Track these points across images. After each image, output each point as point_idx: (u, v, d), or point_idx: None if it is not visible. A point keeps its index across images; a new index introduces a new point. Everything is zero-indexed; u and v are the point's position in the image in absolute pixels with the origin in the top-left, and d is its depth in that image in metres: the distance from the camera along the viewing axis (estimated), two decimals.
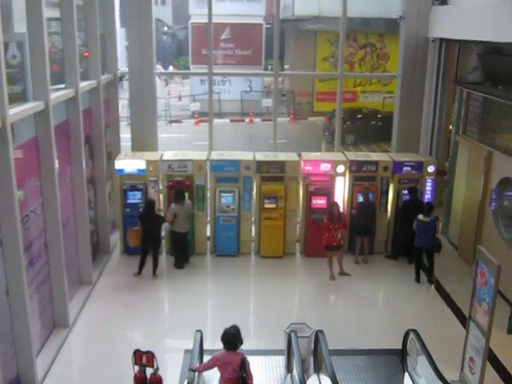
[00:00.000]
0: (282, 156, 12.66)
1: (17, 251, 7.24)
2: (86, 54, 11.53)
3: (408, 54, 13.22)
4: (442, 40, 12.92)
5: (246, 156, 12.59)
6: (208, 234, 12.75)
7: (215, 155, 12.66)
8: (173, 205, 11.67)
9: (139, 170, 12.23)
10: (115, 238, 12.99)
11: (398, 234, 12.53)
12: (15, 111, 7.35)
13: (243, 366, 6.51)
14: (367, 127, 26.08)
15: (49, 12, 9.22)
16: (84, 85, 10.62)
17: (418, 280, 11.54)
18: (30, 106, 8.01)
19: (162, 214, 11.87)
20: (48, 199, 8.74)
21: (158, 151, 13.15)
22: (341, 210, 11.65)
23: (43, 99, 8.30)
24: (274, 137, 13.49)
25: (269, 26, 35.35)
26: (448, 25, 11.99)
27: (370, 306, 10.84)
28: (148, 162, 12.20)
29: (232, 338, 6.58)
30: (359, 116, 27.52)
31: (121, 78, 13.41)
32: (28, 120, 8.20)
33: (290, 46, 34.46)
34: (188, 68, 40.65)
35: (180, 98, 36.96)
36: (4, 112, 6.83)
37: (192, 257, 12.42)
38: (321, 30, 30.91)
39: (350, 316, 10.33)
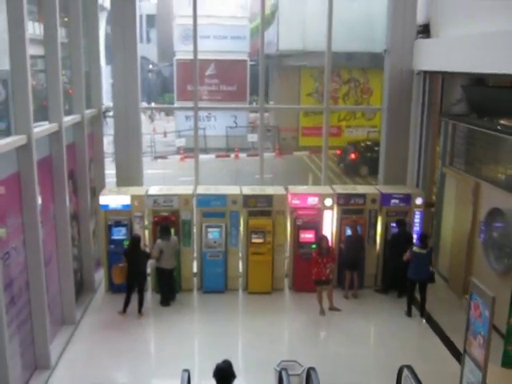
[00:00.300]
0: (269, 190, 12.55)
1: None
2: (71, 91, 11.45)
3: (393, 86, 13.28)
4: (426, 72, 13.01)
5: (232, 190, 12.47)
6: (195, 270, 12.50)
7: (201, 189, 12.51)
8: (159, 240, 11.46)
9: (124, 206, 12.03)
10: (100, 276, 12.68)
11: (388, 267, 12.37)
12: None
13: None
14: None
15: (33, 49, 9.20)
16: (68, 119, 10.48)
17: (409, 314, 11.35)
18: (12, 140, 7.83)
19: (147, 250, 11.63)
20: (30, 236, 8.50)
21: (144, 186, 12.95)
22: (329, 243, 11.48)
23: (26, 133, 8.14)
24: (261, 171, 13.38)
25: (253, 62, 35.86)
26: (432, 57, 12.10)
27: (362, 341, 10.61)
28: (133, 197, 12.01)
29: (225, 373, 6.19)
30: (376, 148, 27.77)
31: (105, 113, 13.27)
32: (10, 154, 8.01)
33: (274, 81, 34.79)
34: (171, 102, 40.92)
35: (165, 134, 36.99)
36: None
37: (178, 294, 12.14)
38: (304, 66, 31.32)
39: (341, 353, 10.07)
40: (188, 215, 12.12)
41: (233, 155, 31.64)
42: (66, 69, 11.18)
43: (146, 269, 11.29)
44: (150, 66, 58.37)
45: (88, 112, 12.01)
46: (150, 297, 12.16)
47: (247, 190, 12.41)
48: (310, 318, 11.38)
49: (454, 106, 12.92)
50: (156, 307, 11.69)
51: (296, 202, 12.27)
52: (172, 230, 11.79)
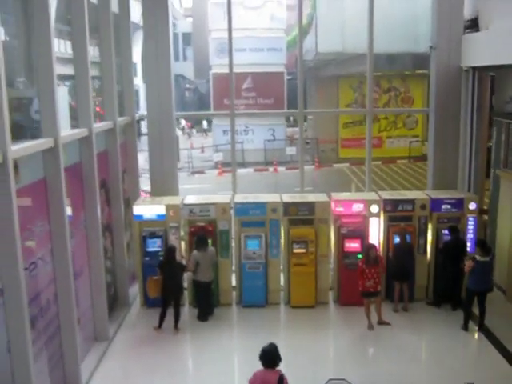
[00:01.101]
0: (311, 197, 11.88)
1: (19, 302, 6.47)
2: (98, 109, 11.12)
3: (440, 86, 12.49)
4: (475, 69, 12.18)
5: (272, 198, 11.83)
6: (233, 283, 11.85)
7: (239, 198, 11.90)
8: (195, 252, 10.87)
9: (159, 216, 11.50)
10: (135, 290, 12.15)
11: (440, 277, 11.48)
12: (19, 147, 6.71)
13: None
14: None
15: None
16: (99, 125, 10.05)
17: (466, 328, 10.44)
18: (38, 143, 7.38)
19: (183, 262, 11.06)
20: (58, 246, 8.01)
21: (179, 196, 12.43)
22: (378, 252, 10.68)
23: (52, 136, 7.68)
24: (302, 181, 12.69)
25: (290, 77, 35.36)
26: (482, 52, 11.30)
27: (416, 358, 9.78)
28: (168, 207, 11.48)
29: (270, 355, 6.51)
30: None
31: (139, 121, 12.84)
32: (36, 159, 7.57)
33: (312, 93, 34.19)
34: (210, 121, 40.73)
35: (203, 149, 36.74)
36: (5, 147, 6.17)
37: (216, 308, 11.50)
38: (343, 76, 30.62)
39: (393, 371, 9.23)
40: (226, 225, 11.52)
41: (271, 169, 31.07)
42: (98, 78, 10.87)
43: (182, 282, 10.71)
44: (187, 86, 58.71)
45: (121, 120, 11.60)
46: (187, 311, 11.56)
47: (287, 198, 11.76)
48: (358, 333, 10.60)
49: (507, 104, 12.04)
50: (193, 322, 11.08)
51: (340, 209, 11.54)
52: (209, 241, 11.19)
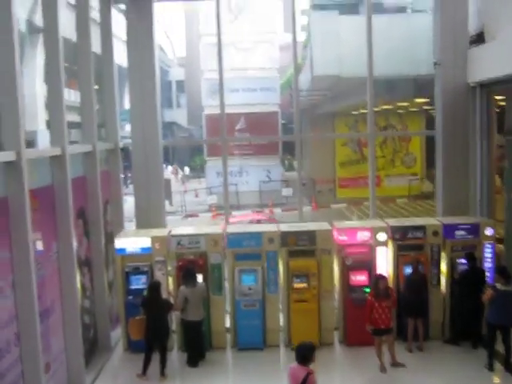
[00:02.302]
0: (312, 226, 10.78)
1: None
2: None
3: (446, 104, 11.63)
4: (482, 86, 11.35)
5: (268, 228, 10.76)
6: (227, 324, 10.63)
7: (233, 228, 10.84)
8: (182, 287, 9.71)
9: (143, 249, 10.39)
10: (119, 333, 10.89)
11: (458, 312, 10.31)
12: None
13: (304, 381, 6.47)
14: None
15: None
16: (74, 146, 9.07)
17: (491, 367, 9.22)
18: None
19: (170, 299, 9.89)
20: (20, 277, 6.87)
21: (166, 229, 11.34)
22: (388, 284, 9.54)
23: (15, 149, 6.66)
24: (300, 212, 11.64)
25: (284, 121, 34.82)
26: (489, 63, 10.48)
27: None
28: (154, 239, 10.38)
29: (303, 350, 6.66)
30: None
31: (123, 150, 11.88)
32: None
33: (308, 132, 33.52)
34: (203, 167, 39.88)
35: (197, 193, 35.81)
36: None
37: (208, 352, 10.25)
38: (338, 114, 30.02)
39: None
40: (218, 258, 10.39)
41: (267, 211, 30.02)
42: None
43: (168, 322, 9.49)
44: (181, 134, 58.35)
45: (101, 144, 10.64)
46: (176, 356, 10.32)
47: (285, 227, 10.68)
48: (369, 377, 9.39)
49: None
50: (182, 368, 9.86)
51: (343, 238, 10.46)
52: (199, 276, 10.04)
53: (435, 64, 11.68)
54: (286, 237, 10.39)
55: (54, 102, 8.36)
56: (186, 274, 9.79)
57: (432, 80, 14.52)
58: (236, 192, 29.89)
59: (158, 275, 10.29)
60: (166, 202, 30.16)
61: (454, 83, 11.51)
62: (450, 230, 10.51)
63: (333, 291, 10.51)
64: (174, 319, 10.11)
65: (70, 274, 8.62)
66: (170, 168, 44.04)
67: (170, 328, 9.92)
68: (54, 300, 8.28)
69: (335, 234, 10.50)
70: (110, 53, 11.14)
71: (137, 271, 10.36)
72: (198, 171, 46.34)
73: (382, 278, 9.39)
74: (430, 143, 30.23)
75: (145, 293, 9.74)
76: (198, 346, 9.95)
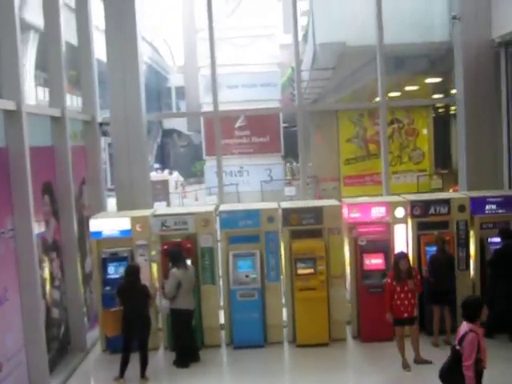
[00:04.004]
0: (317, 202, 9.34)
1: None
2: None
3: (468, 65, 10.22)
4: (508, 43, 9.94)
5: (267, 205, 9.31)
6: (221, 317, 9.16)
7: (226, 207, 9.40)
8: (174, 270, 8.20)
9: (123, 232, 8.94)
10: (97, 332, 9.41)
11: (490, 299, 8.75)
12: None
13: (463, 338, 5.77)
14: None
15: None
16: (34, 104, 7.67)
17: None
18: None
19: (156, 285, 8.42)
20: None
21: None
22: (411, 263, 8.03)
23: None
24: (303, 181, 10.23)
25: (286, 124, 33.42)
26: None
27: None
28: (134, 220, 8.92)
29: (467, 307, 6.12)
30: None
31: (102, 125, 10.47)
32: None
33: (310, 129, 32.11)
34: (202, 173, 38.36)
35: (196, 197, 34.46)
36: None
37: (200, 351, 8.74)
38: (342, 111, 28.65)
39: None
40: (209, 241, 8.94)
41: None
42: None
43: (148, 312, 7.95)
44: (182, 143, 57.14)
45: (74, 112, 9.27)
46: (162, 356, 8.84)
47: (287, 205, 9.24)
48: (389, 376, 7.90)
49: None
50: (169, 370, 8.36)
51: (355, 215, 8.99)
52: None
53: (453, 18, 10.32)
54: (288, 215, 8.93)
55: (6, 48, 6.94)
56: (174, 254, 8.31)
57: (445, 55, 13.15)
58: (237, 192, 28.56)
59: (140, 261, 8.80)
60: (164, 203, 28.63)
61: (476, 40, 10.12)
62: (478, 203, 9.05)
63: (344, 277, 9.03)
64: (157, 311, 8.56)
65: (29, 256, 7.16)
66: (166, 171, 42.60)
67: (153, 322, 8.40)
68: (6, 287, 6.81)
69: (345, 210, 9.05)
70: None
71: (115, 257, 8.92)
72: (199, 177, 44.95)
73: (403, 256, 7.88)
74: (438, 138, 28.59)
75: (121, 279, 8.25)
76: (191, 342, 8.46)
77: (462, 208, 9.00)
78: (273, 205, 9.33)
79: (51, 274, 8.26)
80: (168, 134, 56.71)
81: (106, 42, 10.28)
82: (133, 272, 7.81)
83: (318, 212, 8.93)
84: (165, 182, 32.30)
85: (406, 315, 7.74)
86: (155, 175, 34.82)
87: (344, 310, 9.03)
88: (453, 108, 30.69)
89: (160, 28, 53.39)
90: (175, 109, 59.18)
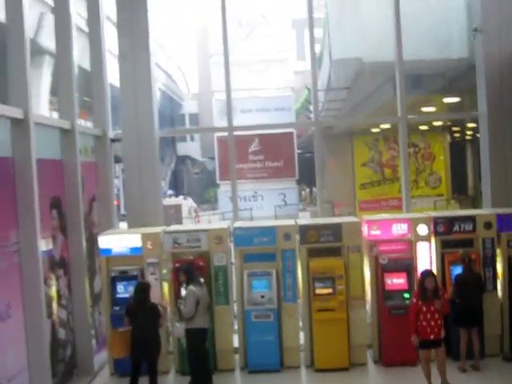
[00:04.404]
0: (336, 219, 8.95)
1: None
2: None
3: (491, 79, 9.84)
4: None
5: (284, 222, 8.94)
6: (235, 340, 8.72)
7: (241, 223, 9.05)
8: (191, 287, 7.76)
9: (133, 249, 8.60)
10: (105, 355, 9.00)
11: None
12: None
13: None
14: None
15: None
16: (44, 116, 7.44)
17: None
18: None
19: (164, 304, 8.00)
20: None
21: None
22: (438, 283, 7.57)
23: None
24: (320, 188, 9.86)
25: (300, 151, 33.17)
26: None
27: None
28: (145, 237, 8.58)
29: None
30: None
31: (114, 141, 10.22)
32: None
33: (325, 155, 31.86)
34: (216, 199, 38.02)
35: (210, 221, 34.12)
36: None
37: (213, 375, 8.29)
38: (357, 133, 28.37)
39: None
40: (223, 259, 8.56)
41: None
42: None
43: (159, 333, 7.53)
44: (196, 170, 57.19)
45: (84, 127, 9.03)
46: (173, 380, 8.38)
47: (305, 221, 8.86)
48: None
49: None
50: None
51: (376, 232, 8.58)
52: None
53: (475, 30, 9.97)
54: (305, 232, 8.54)
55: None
56: (188, 270, 7.88)
57: (463, 73, 12.86)
58: (251, 217, 28.21)
59: (151, 280, 8.42)
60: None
61: (498, 52, 9.73)
62: (506, 220, 8.60)
63: (364, 298, 8.57)
64: (167, 333, 8.12)
65: (34, 271, 6.82)
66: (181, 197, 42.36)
67: (164, 344, 7.97)
68: (10, 303, 6.46)
69: (365, 227, 8.64)
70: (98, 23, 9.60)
71: (124, 276, 8.54)
72: (213, 203, 44.61)
73: (429, 274, 7.43)
74: (453, 163, 28.14)
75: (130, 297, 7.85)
76: (206, 365, 8.02)
77: (488, 225, 8.55)
78: (289, 221, 8.95)
79: (58, 292, 7.91)
80: (182, 160, 56.78)
81: (118, 55, 10.09)
82: (142, 290, 7.43)
83: (336, 229, 8.53)
84: (178, 207, 32.06)
85: (432, 337, 7.26)
86: (168, 200, 34.63)
87: (364, 333, 8.55)
88: (469, 133, 30.27)
89: (174, 55, 53.86)
90: (189, 136, 59.40)
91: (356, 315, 8.46)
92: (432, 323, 7.22)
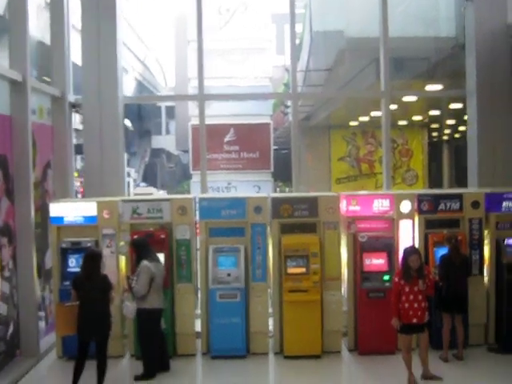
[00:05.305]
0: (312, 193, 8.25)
1: None
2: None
3: (481, 53, 9.26)
4: None
5: (254, 194, 8.19)
6: (197, 322, 7.94)
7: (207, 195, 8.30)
8: (146, 262, 6.97)
9: (87, 219, 7.76)
10: (53, 337, 8.13)
11: (508, 310, 7.68)
12: None
13: None
14: None
15: None
16: None
17: None
18: None
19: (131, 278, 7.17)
20: None
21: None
22: (422, 261, 6.87)
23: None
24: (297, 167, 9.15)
25: (276, 147, 32.44)
26: None
27: None
28: (101, 205, 7.74)
29: None
30: None
31: (74, 106, 9.37)
32: None
33: (301, 149, 31.23)
34: (189, 190, 37.16)
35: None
36: None
37: (171, 360, 7.50)
38: (334, 127, 27.83)
39: None
40: (186, 232, 7.76)
41: None
42: None
43: (109, 309, 6.70)
44: (170, 165, 56.22)
45: (38, 83, 8.19)
46: (127, 364, 7.58)
47: (278, 194, 8.12)
48: None
49: None
50: (133, 380, 7.07)
51: (355, 208, 7.87)
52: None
53: (466, 0, 9.34)
54: (277, 205, 7.81)
55: None
56: (142, 243, 7.11)
57: (448, 57, 12.28)
58: None
59: (106, 254, 7.61)
60: None
61: (490, 24, 9.19)
62: (494, 200, 7.98)
63: (340, 279, 7.86)
64: (127, 311, 7.24)
65: None
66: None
67: (118, 327, 7.16)
68: None
69: (344, 202, 7.92)
70: None
71: (77, 248, 7.69)
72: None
73: (414, 251, 6.73)
74: (432, 159, 27.66)
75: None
76: (162, 347, 7.24)
77: (475, 204, 7.91)
78: (261, 194, 8.21)
79: (0, 262, 7.04)
80: (157, 153, 55.73)
81: (81, 11, 9.25)
82: (92, 258, 6.59)
83: (312, 203, 7.81)
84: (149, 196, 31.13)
85: (415, 320, 6.56)
86: (139, 189, 33.66)
87: (339, 318, 7.83)
88: (446, 132, 29.86)
89: (153, 47, 52.94)
90: (164, 129, 58.39)
91: (331, 298, 7.74)
92: (415, 305, 6.52)
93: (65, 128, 9.09)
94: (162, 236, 7.62)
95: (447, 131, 28.53)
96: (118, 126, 9.41)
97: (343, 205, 7.92)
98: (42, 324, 8.27)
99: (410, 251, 6.71)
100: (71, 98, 9.36)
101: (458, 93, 10.18)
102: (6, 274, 7.24)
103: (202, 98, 9.87)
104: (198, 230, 7.92)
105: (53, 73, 8.98)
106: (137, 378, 7.01)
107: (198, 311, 7.99)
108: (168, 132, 59.31)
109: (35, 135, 8.08)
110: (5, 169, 7.25)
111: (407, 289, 6.55)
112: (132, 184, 32.45)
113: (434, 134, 29.97)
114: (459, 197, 7.96)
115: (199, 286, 7.98)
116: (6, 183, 7.27)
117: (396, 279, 6.70)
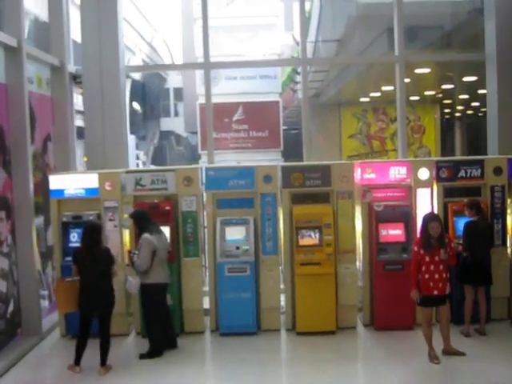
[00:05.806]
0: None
1: None
2: None
3: (501, 13, 8.75)
4: None
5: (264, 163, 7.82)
6: (206, 300, 7.60)
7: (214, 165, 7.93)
8: (147, 235, 6.62)
9: (89, 191, 7.42)
10: (56, 316, 7.84)
11: None
12: None
13: None
14: None
15: None
16: None
17: None
18: None
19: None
20: None
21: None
22: (443, 229, 6.45)
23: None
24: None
25: (285, 127, 31.95)
26: None
27: None
28: (102, 177, 7.39)
29: None
30: None
31: (75, 78, 9.00)
32: None
33: (312, 127, 30.73)
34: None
35: None
36: None
37: (179, 338, 7.18)
38: (344, 104, 27.29)
39: None
40: (192, 204, 7.40)
41: None
42: None
43: (111, 284, 6.37)
44: (179, 148, 55.90)
45: (36, 50, 7.82)
46: (132, 342, 7.27)
47: (289, 163, 7.74)
48: (413, 370, 6.33)
49: None
50: (138, 359, 6.76)
51: (370, 176, 7.46)
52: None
53: None
54: (288, 174, 7.42)
55: None
56: (142, 215, 6.76)
57: (464, 25, 11.76)
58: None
59: (109, 228, 7.28)
60: None
61: None
62: None
63: (355, 251, 7.48)
64: (130, 287, 6.89)
65: None
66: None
67: (123, 305, 6.85)
68: None
69: (358, 170, 7.52)
70: None
71: (78, 222, 7.34)
72: None
73: (434, 218, 6.32)
74: (445, 135, 27.09)
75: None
76: (168, 324, 6.91)
77: (498, 171, 7.48)
78: (270, 163, 7.82)
79: None
80: (166, 136, 55.44)
81: None
82: (92, 230, 6.25)
83: (325, 172, 7.40)
84: None
85: (435, 292, 6.17)
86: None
87: (354, 292, 7.46)
88: (459, 108, 29.20)
89: (160, 29, 52.45)
90: (173, 111, 58.06)
91: (345, 271, 7.35)
92: (436, 276, 6.13)
93: (65, 99, 8.73)
94: (167, 208, 7.26)
95: (460, 107, 27.88)
96: (120, 96, 9.05)
97: (358, 173, 7.53)
98: (45, 302, 8.00)
99: (430, 218, 6.29)
100: (71, 68, 9.00)
101: (476, 57, 9.63)
102: (5, 249, 6.92)
103: (208, 66, 9.42)
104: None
105: (51, 42, 8.57)
106: (142, 357, 6.69)
107: (207, 288, 7.67)
108: (177, 114, 59.01)
109: (34, 106, 7.77)
110: (1, 139, 6.90)
111: (427, 258, 6.16)
112: (141, 167, 32.19)
113: (447, 110, 29.32)
114: (480, 163, 7.53)
115: (207, 260, 7.62)
116: (2, 154, 6.93)
117: (415, 248, 6.30)
